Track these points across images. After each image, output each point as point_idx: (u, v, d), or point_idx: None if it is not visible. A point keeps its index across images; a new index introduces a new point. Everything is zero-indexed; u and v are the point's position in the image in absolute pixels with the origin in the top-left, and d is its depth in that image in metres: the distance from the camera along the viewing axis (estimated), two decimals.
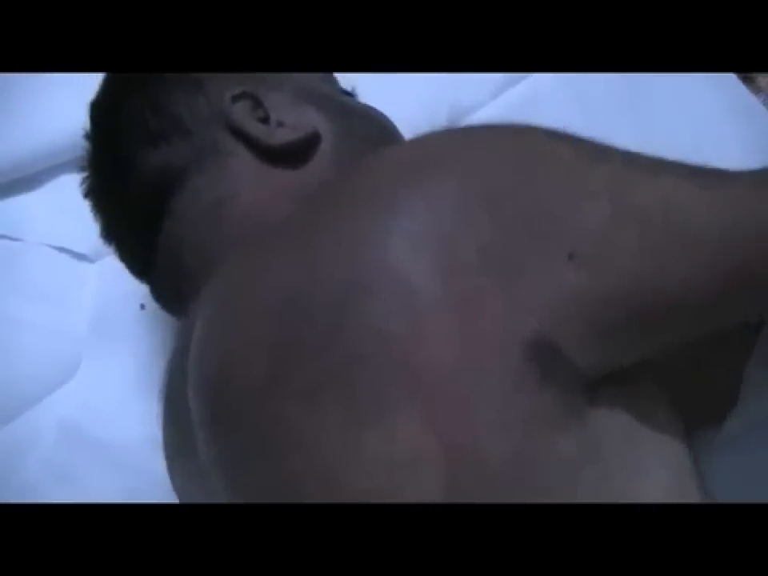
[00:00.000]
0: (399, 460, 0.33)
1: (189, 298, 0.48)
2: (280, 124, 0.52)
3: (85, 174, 0.59)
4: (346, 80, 0.61)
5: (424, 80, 0.67)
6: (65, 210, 0.71)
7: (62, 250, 0.71)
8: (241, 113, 0.52)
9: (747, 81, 0.71)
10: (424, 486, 0.33)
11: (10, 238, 0.72)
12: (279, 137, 0.51)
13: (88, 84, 0.57)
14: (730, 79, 0.69)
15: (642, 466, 0.36)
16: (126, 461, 0.62)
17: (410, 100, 0.67)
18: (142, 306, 0.67)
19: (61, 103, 0.70)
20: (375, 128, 0.56)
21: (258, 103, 0.53)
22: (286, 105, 0.53)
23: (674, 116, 0.69)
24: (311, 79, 0.56)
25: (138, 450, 0.62)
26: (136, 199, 0.54)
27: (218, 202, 0.51)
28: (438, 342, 0.34)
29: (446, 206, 0.36)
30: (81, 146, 0.58)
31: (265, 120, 0.52)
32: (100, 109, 0.57)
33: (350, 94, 0.60)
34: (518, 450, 0.33)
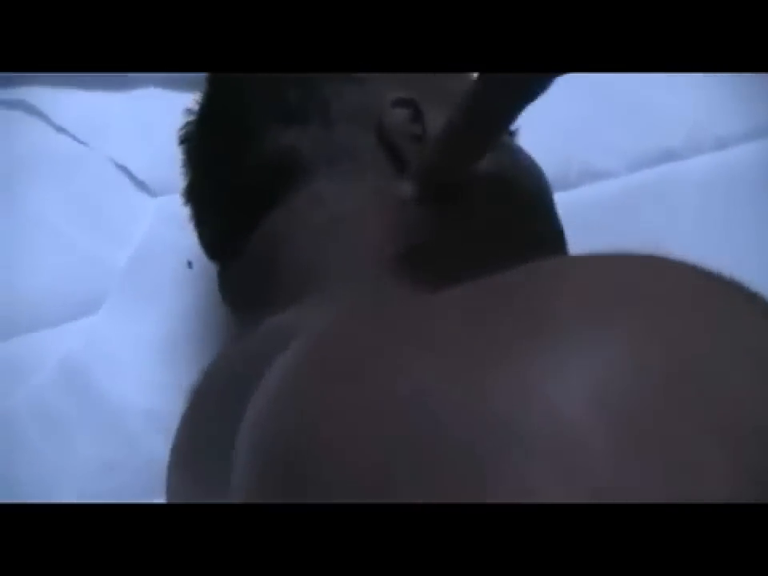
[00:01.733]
0: None
1: (264, 307, 0.42)
2: None
3: (189, 119, 0.52)
4: None
5: (554, 133, 0.62)
6: (144, 126, 0.63)
7: (124, 170, 0.63)
8: (397, 121, 0.44)
9: None
10: None
11: (76, 139, 0.65)
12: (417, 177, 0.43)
13: None
14: None
15: None
16: (120, 427, 0.56)
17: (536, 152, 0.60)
18: (190, 264, 0.60)
19: None
20: (531, 198, 0.48)
21: (417, 115, 0.45)
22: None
23: None
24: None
25: (136, 418, 0.56)
26: (248, 173, 0.47)
27: (341, 220, 0.44)
28: None
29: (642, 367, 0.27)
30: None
31: (419, 139, 0.45)
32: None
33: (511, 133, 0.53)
34: None
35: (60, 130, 0.65)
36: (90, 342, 0.58)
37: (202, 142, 0.50)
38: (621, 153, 0.65)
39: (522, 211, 0.47)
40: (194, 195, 0.51)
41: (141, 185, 0.63)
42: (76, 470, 0.56)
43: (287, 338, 0.35)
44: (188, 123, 0.52)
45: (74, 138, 0.65)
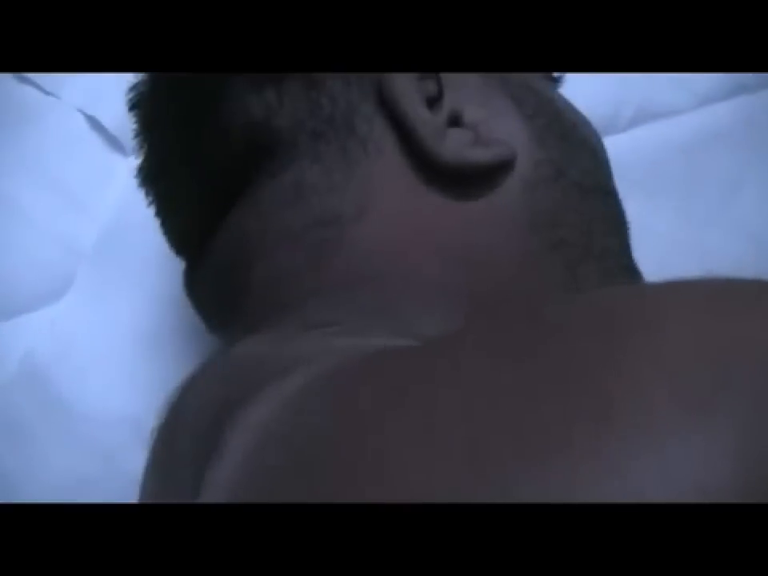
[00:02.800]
0: None
1: (234, 323, 0.33)
2: (457, 121, 0.34)
3: (140, 78, 0.41)
4: None
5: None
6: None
7: (94, 122, 0.53)
8: (403, 80, 0.34)
9: None
10: None
11: (43, 90, 0.54)
12: (454, 148, 0.34)
13: None
14: None
15: None
16: (93, 438, 0.47)
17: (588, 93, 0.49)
18: None
19: None
20: (592, 172, 0.37)
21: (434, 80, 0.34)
22: (471, 96, 0.35)
23: None
24: None
25: (111, 428, 0.47)
26: (211, 151, 0.37)
27: (331, 221, 0.34)
28: None
29: None
30: None
31: (434, 102, 0.34)
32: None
33: (554, 81, 0.41)
34: None
35: (22, 79, 0.55)
36: (55, 337, 0.48)
37: (153, 110, 0.40)
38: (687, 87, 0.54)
39: (582, 191, 0.37)
40: (149, 176, 0.41)
41: (113, 141, 0.53)
42: (46, 485, 0.47)
43: (260, 378, 0.27)
44: (139, 84, 0.41)
45: (41, 88, 0.55)
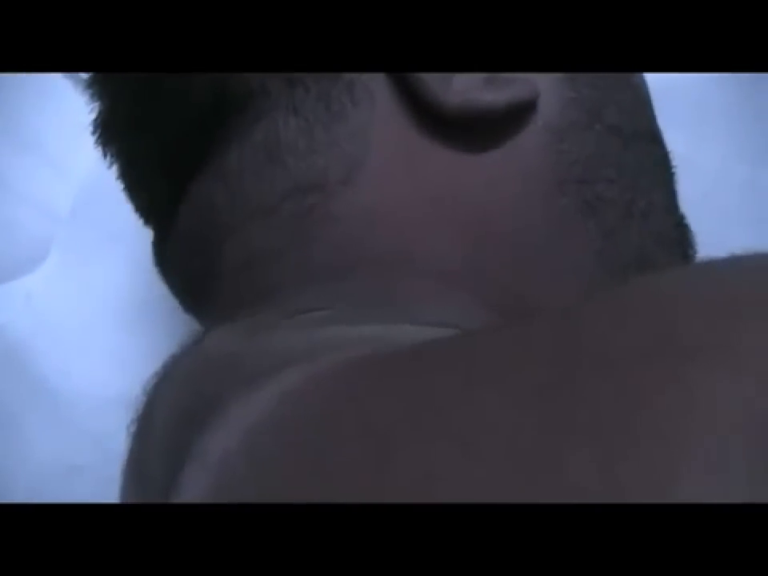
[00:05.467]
0: None
1: (206, 304, 0.30)
2: None
3: None
4: None
5: None
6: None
7: (72, 79, 0.48)
8: None
9: None
10: None
11: None
12: (462, 90, 0.28)
13: None
14: None
15: None
16: (77, 422, 0.43)
17: None
18: None
19: None
20: (633, 113, 0.32)
21: None
22: None
23: None
24: None
25: (95, 411, 0.43)
26: (169, 100, 0.31)
27: (314, 187, 0.28)
28: None
29: None
30: None
31: None
32: None
33: None
34: None
35: None
36: (31, 311, 0.44)
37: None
38: None
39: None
40: (105, 133, 0.35)
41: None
42: (36, 471, 0.44)
43: (230, 379, 0.23)
44: None
45: None
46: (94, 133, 0.35)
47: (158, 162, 0.33)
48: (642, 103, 0.33)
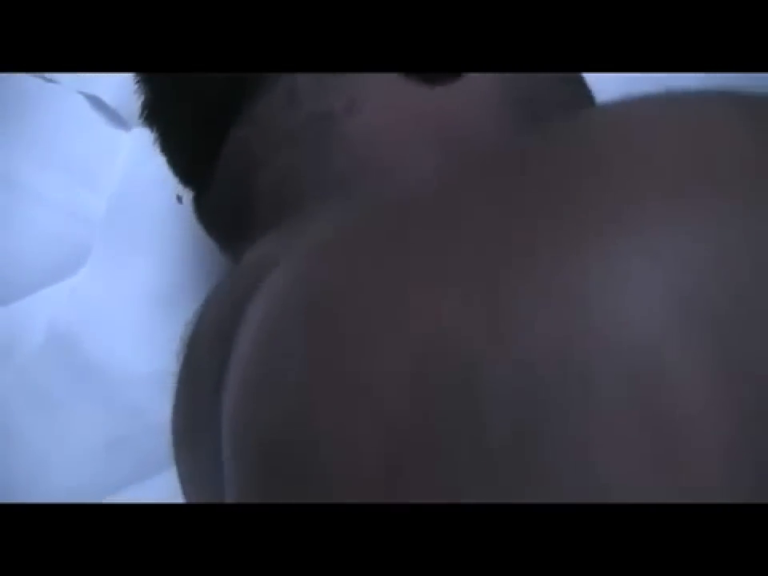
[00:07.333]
0: None
1: (244, 239, 0.34)
2: None
3: None
4: None
5: None
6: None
7: (95, 101, 0.55)
8: None
9: None
10: None
11: (44, 78, 0.56)
12: None
13: None
14: None
15: None
16: (122, 397, 0.49)
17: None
18: (179, 199, 0.51)
19: None
20: None
21: None
22: None
23: None
24: None
25: (138, 385, 0.49)
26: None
27: (325, 116, 0.34)
28: None
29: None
30: None
31: None
32: None
33: None
34: None
35: None
36: (77, 304, 0.51)
37: None
38: None
39: None
40: (153, 110, 0.42)
41: (115, 116, 0.55)
42: (75, 451, 0.49)
43: (260, 276, 0.28)
44: None
45: (42, 76, 0.57)
46: (141, 115, 0.42)
47: (199, 125, 0.39)
48: None
